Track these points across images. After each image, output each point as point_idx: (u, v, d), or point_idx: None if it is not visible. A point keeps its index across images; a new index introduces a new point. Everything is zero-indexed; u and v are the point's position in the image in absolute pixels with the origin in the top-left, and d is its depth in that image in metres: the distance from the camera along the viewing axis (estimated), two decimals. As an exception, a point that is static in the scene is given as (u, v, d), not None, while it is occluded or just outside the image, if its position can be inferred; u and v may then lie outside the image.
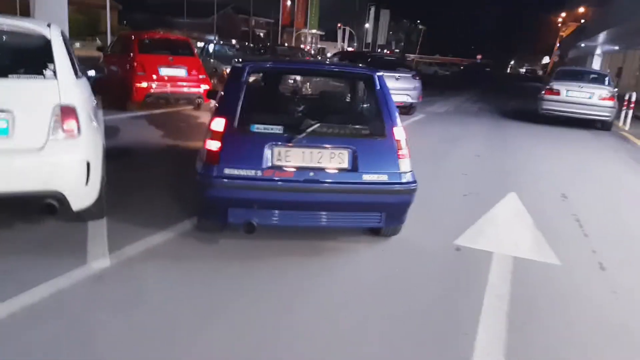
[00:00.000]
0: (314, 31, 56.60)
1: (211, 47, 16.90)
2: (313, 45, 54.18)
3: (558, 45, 69.61)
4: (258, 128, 3.46)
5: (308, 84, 8.70)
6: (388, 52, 53.33)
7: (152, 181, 5.15)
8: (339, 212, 3.61)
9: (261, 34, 66.81)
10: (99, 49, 12.17)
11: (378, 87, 3.74)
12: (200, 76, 10.31)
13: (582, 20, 50.24)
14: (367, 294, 3.20)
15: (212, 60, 15.12)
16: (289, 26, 53.93)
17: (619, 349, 2.81)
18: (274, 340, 2.62)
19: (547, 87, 12.65)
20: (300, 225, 3.70)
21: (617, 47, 33.58)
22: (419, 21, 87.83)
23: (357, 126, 3.66)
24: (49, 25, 3.86)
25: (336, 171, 3.47)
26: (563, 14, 73.26)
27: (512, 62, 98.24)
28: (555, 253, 3.98)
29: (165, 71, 9.88)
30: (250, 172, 3.35)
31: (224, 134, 3.40)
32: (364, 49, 51.66)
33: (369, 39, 58.17)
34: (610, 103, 12.03)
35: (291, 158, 3.44)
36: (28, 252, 3.40)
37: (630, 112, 13.43)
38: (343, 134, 3.56)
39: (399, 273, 3.52)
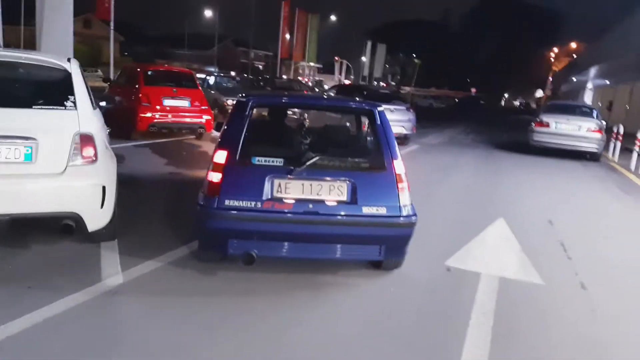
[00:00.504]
0: (311, 64, 57.68)
1: (211, 79, 17.40)
2: (311, 77, 55.16)
3: (551, 79, 71.14)
4: (259, 160, 3.55)
5: (307, 116, 8.99)
6: (384, 84, 54.32)
7: (156, 207, 5.42)
8: (338, 244, 3.67)
9: (260, 66, 68.14)
10: (104, 80, 12.57)
11: (378, 122, 3.81)
12: (203, 107, 10.72)
13: (574, 55, 51.60)
14: (365, 324, 3.34)
15: (212, 92, 15.57)
16: (288, 59, 55.12)
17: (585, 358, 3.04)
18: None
19: (537, 119, 13.09)
20: (300, 257, 3.77)
21: (607, 82, 34.46)
22: (414, 55, 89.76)
23: (357, 159, 3.72)
24: (69, 60, 4.20)
25: (335, 203, 3.53)
26: (555, 49, 75.24)
27: (506, 95, 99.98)
28: (539, 274, 4.23)
29: (168, 102, 10.28)
30: (250, 204, 3.43)
31: (225, 166, 3.49)
32: (360, 82, 52.68)
33: (366, 72, 59.27)
34: (598, 135, 12.44)
35: (291, 190, 3.51)
36: (46, 271, 3.64)
37: (619, 144, 13.85)
38: (343, 166, 3.64)
39: (394, 291, 3.77)
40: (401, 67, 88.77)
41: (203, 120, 10.61)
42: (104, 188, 3.84)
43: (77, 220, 3.73)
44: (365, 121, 4.43)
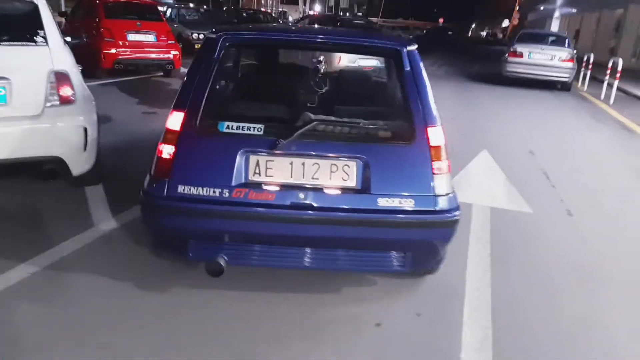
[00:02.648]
0: (275, -6, 55.43)
1: (172, 12, 16.51)
2: (274, 8, 53.12)
3: (517, 8, 70.56)
4: (229, 127, 2.45)
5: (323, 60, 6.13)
6: (360, 15, 52.65)
7: (136, 149, 5.22)
8: (341, 251, 2.60)
9: (220, -3, 65.03)
10: (60, 14, 11.73)
11: (407, 68, 2.60)
12: (170, 42, 10.22)
13: (541, -17, 50.95)
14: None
15: (175, 25, 14.79)
16: (249, -12, 52.64)
17: (577, 277, 3.18)
18: None
19: (511, 49, 13.03)
20: (287, 268, 2.74)
21: (574, 10, 34.43)
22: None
23: (373, 125, 2.55)
24: None
25: (338, 192, 2.44)
26: (522, -24, 74.04)
27: (473, 26, 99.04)
28: (528, 203, 4.33)
29: (133, 37, 9.72)
30: (214, 192, 2.39)
31: (179, 135, 2.43)
32: (326, 13, 51.04)
33: (332, 3, 57.42)
34: (570, 64, 12.53)
35: (274, 172, 2.43)
36: (34, 218, 3.50)
37: (589, 73, 14.01)
38: (351, 136, 2.50)
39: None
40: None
41: (171, 56, 10.14)
42: (85, 129, 3.64)
43: (60, 164, 3.55)
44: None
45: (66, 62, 3.69)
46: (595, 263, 3.42)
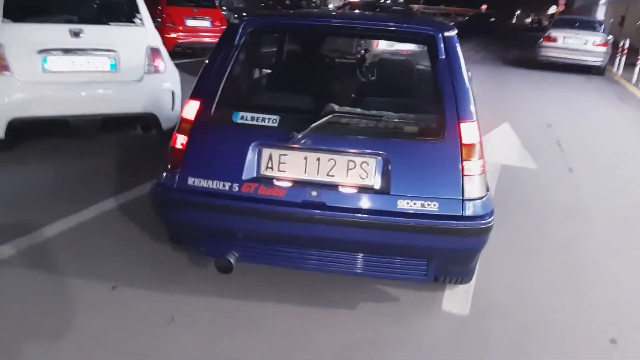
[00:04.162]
0: (316, -19, 55.91)
1: (218, -1, 17.46)
2: (317, -6, 53.61)
3: (564, -7, 68.56)
4: (243, 118, 2.36)
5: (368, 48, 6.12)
6: (400, 1, 52.45)
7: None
8: (357, 254, 2.44)
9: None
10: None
11: (442, 56, 2.39)
12: (223, 27, 11.17)
13: (589, -32, 49.52)
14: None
15: (223, 11, 15.78)
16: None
17: (565, 216, 3.92)
18: None
19: (545, 34, 13.43)
20: (299, 269, 2.61)
21: (621, -5, 33.60)
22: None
23: (399, 119, 2.36)
24: None
25: (354, 191, 2.28)
26: (571, -39, 71.79)
27: (517, 12, 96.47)
28: (535, 162, 5.08)
29: (191, 22, 10.78)
30: (224, 186, 2.31)
31: (193, 125, 2.37)
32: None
33: (373, -11, 57.47)
34: (603, 49, 12.85)
35: (287, 166, 2.32)
36: (125, 163, 4.51)
37: (624, 59, 14.22)
38: (371, 130, 2.32)
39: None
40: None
41: (224, 40, 11.12)
42: (173, 93, 4.62)
43: (154, 120, 4.55)
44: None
45: (158, 39, 4.68)
46: (584, 206, 4.15)
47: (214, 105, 2.38)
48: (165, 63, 4.63)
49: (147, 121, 4.59)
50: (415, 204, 2.22)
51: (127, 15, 4.61)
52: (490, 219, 2.27)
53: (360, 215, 2.25)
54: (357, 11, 7.77)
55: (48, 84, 4.13)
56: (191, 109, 2.39)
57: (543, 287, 2.88)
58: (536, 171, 4.85)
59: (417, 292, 2.69)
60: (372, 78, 3.39)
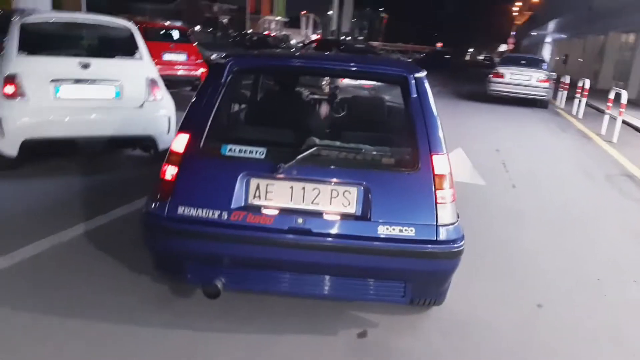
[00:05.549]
0: (278, 18, 57.69)
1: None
2: (277, 32, 55.31)
3: (513, 33, 72.98)
4: (232, 150, 2.51)
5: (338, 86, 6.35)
6: (361, 38, 54.53)
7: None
8: (339, 278, 2.61)
9: (224, 21, 67.44)
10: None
11: (414, 95, 2.62)
12: (198, 60, 11.87)
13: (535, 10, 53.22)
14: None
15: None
16: (255, 13, 54.96)
17: (504, 222, 4.70)
18: None
19: (494, 70, 14.72)
20: (284, 294, 2.76)
21: (564, 35, 36.42)
22: (381, 9, 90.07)
23: (377, 151, 2.57)
24: (130, 21, 5.47)
25: (337, 218, 2.45)
26: (519, 3, 76.69)
27: (471, 50, 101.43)
28: (483, 179, 5.88)
29: (168, 56, 11.39)
30: (213, 214, 2.43)
31: (183, 157, 2.49)
32: (328, 37, 53.29)
33: (334, 27, 59.64)
34: (546, 85, 14.19)
35: (274, 195, 2.47)
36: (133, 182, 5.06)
37: (565, 93, 15.67)
38: (352, 161, 2.52)
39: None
40: (369, 21, 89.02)
41: (199, 73, 11.78)
42: (169, 118, 5.21)
43: (153, 141, 5.12)
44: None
45: (155, 72, 5.30)
46: (521, 214, 4.94)
47: (203, 138, 2.51)
48: (162, 92, 5.24)
49: (146, 143, 5.14)
50: (393, 229, 2.41)
51: (129, 50, 5.21)
52: (461, 243, 2.48)
53: (343, 240, 2.42)
54: (331, 53, 8.27)
55: (60, 109, 4.66)
56: (180, 142, 2.52)
57: (485, 273, 3.58)
58: (484, 187, 5.65)
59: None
60: (344, 113, 3.60)
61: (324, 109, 3.62)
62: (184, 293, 2.91)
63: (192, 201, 2.45)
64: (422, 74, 2.75)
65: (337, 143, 2.59)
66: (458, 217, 2.56)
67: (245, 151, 2.50)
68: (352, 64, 3.01)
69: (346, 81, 8.26)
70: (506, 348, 2.70)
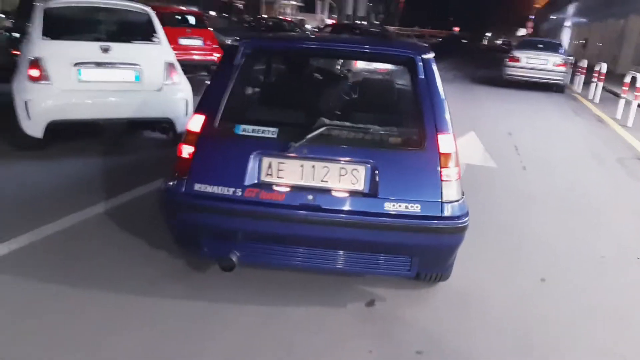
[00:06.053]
0: (293, 2, 57.41)
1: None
2: (292, 17, 55.07)
3: (532, 17, 71.73)
4: (245, 130, 2.62)
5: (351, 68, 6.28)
6: (377, 23, 54.05)
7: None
8: (348, 252, 2.72)
9: (240, 6, 67.35)
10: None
11: (421, 76, 2.69)
12: (214, 45, 12.01)
13: (555, -7, 52.18)
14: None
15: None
16: (268, -3, 54.80)
17: (514, 203, 4.79)
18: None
19: (510, 55, 14.61)
20: (295, 267, 2.91)
21: (584, 19, 35.76)
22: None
23: (385, 131, 2.65)
24: (147, 6, 5.62)
25: (346, 195, 2.56)
26: (538, -14, 75.28)
27: (488, 35, 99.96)
28: (495, 162, 5.96)
29: (184, 41, 11.54)
30: (228, 191, 2.56)
31: (199, 137, 2.62)
32: (344, 21, 52.96)
33: (350, 11, 59.25)
34: (562, 69, 14.06)
35: (285, 173, 2.58)
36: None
37: (582, 77, 15.50)
38: (360, 141, 2.61)
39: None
40: (385, 5, 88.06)
41: (215, 58, 11.91)
42: (186, 101, 5.37)
43: (171, 123, 5.29)
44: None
45: (173, 56, 5.45)
46: (532, 196, 5.03)
47: (218, 118, 2.64)
48: (180, 76, 5.39)
49: (164, 125, 5.31)
50: (400, 206, 2.51)
51: (147, 34, 5.36)
52: (466, 219, 2.58)
53: (352, 216, 2.53)
54: (343, 35, 8.34)
55: (82, 92, 4.85)
56: (196, 122, 2.65)
57: (494, 251, 3.70)
58: (496, 169, 5.73)
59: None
60: (355, 95, 3.67)
61: (335, 91, 3.71)
62: (200, 267, 3.08)
63: (208, 178, 2.57)
64: (430, 55, 2.80)
65: (346, 123, 2.67)
66: (463, 195, 2.65)
67: (257, 131, 2.60)
68: (361, 46, 3.13)
69: (360, 65, 8.49)
70: (508, 318, 2.83)
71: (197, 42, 11.70)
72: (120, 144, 5.58)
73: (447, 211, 2.53)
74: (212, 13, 31.78)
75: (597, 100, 12.67)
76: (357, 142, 2.59)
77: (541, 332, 2.72)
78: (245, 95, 3.27)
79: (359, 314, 2.77)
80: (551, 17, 45.82)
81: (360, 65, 8.00)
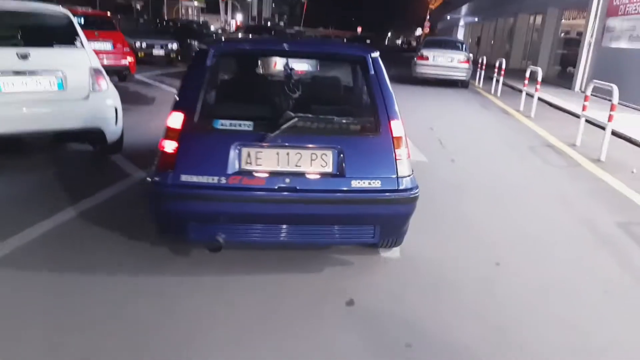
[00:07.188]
0: (196, 3, 55.99)
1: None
2: (194, 18, 53.65)
3: (428, 17, 75.66)
4: (223, 124, 2.92)
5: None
6: (282, 24, 54.21)
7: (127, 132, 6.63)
8: (322, 226, 3.08)
9: (138, 6, 64.44)
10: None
11: (372, 72, 3.12)
12: (125, 49, 11.42)
13: (448, -6, 55.41)
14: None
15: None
16: (171, -2, 53.00)
17: (451, 193, 5.09)
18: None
19: (419, 53, 15.37)
20: (276, 243, 3.23)
21: (476, 19, 38.39)
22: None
23: (346, 121, 3.05)
24: (64, 8, 5.25)
25: (318, 176, 2.92)
26: (432, -12, 79.55)
27: (389, 34, 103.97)
28: (425, 156, 6.27)
29: (92, 45, 10.82)
30: (213, 180, 2.84)
31: (181, 132, 2.87)
32: (249, 23, 52.56)
33: (254, 12, 58.92)
34: (466, 65, 15.03)
35: (263, 161, 2.90)
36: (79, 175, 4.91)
37: (483, 73, 16.68)
38: (328, 130, 3.00)
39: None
40: (289, 6, 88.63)
41: (126, 63, 11.35)
42: (116, 109, 5.09)
43: (100, 134, 4.99)
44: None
45: (97, 61, 5.13)
46: (462, 183, 5.36)
47: (197, 115, 2.93)
48: (107, 82, 5.09)
49: (94, 135, 4.99)
50: (364, 182, 2.93)
51: (68, 38, 5.00)
52: (417, 191, 3.04)
53: (323, 194, 2.92)
54: (296, 39, 8.23)
55: (1, 104, 4.42)
56: (176, 119, 2.91)
57: (438, 234, 3.91)
58: (427, 163, 6.03)
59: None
60: (308, 91, 3.83)
61: (290, 88, 3.82)
62: (183, 252, 3.35)
63: (193, 169, 2.85)
64: (377, 54, 3.23)
65: (311, 115, 3.02)
66: (412, 171, 3.08)
67: (235, 124, 2.91)
68: (320, 47, 3.69)
69: (279, 66, 8.53)
70: (475, 301, 3.02)
71: (107, 46, 11.10)
72: (43, 159, 5.16)
73: (402, 184, 2.98)
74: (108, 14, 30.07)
75: (499, 94, 13.70)
76: (324, 131, 2.98)
77: (505, 308, 2.94)
78: (217, 93, 3.52)
79: (341, 313, 2.83)
80: (446, 16, 48.68)
81: (279, 66, 8.15)
